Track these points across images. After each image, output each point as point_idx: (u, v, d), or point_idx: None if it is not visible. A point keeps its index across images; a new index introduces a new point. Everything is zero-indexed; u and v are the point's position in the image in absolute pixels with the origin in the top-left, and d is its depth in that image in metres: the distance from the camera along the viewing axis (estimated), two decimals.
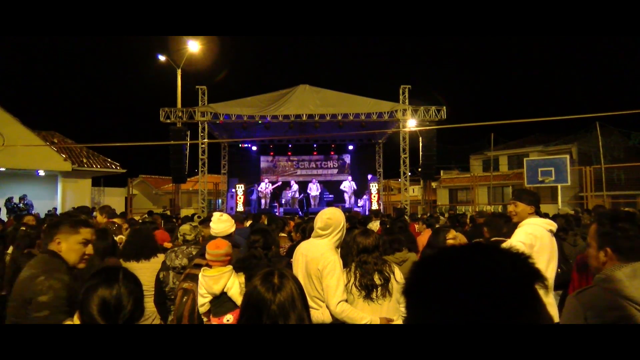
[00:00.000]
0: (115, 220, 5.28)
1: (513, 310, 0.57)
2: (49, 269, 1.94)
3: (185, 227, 3.56)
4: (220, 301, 2.61)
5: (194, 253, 3.08)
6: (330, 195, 18.51)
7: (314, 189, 17.57)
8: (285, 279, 1.40)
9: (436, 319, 0.59)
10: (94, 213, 5.44)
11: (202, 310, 2.71)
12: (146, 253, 3.60)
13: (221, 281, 2.57)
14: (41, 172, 16.79)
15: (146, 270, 3.44)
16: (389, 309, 2.75)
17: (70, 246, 2.03)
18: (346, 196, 17.81)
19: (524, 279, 0.59)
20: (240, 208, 16.43)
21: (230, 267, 2.70)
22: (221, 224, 3.45)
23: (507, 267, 0.59)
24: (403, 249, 4.00)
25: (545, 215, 4.96)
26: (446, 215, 11.28)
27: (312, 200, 17.21)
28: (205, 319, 2.76)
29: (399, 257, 3.84)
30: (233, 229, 3.49)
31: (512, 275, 0.59)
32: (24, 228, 5.61)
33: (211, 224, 3.52)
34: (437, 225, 6.01)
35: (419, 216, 8.15)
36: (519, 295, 0.58)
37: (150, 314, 3.44)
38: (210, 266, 2.71)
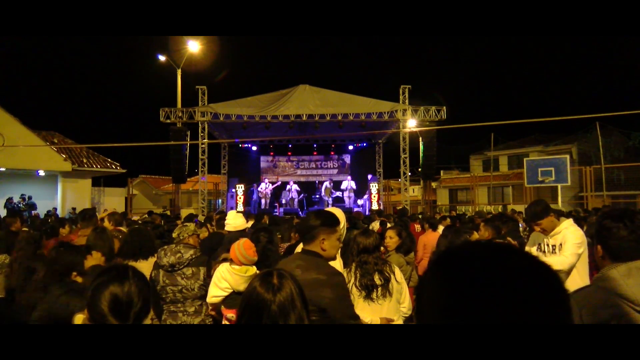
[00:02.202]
0: (121, 228, 5.31)
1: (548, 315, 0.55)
2: (329, 271, 2.11)
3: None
4: (238, 295, 2.67)
5: (182, 251, 3.10)
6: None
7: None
8: (284, 279, 1.40)
9: (459, 319, 0.57)
10: (104, 218, 5.42)
11: (214, 300, 2.79)
12: (144, 253, 3.66)
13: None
14: (41, 172, 16.79)
15: (143, 270, 3.47)
16: (389, 309, 2.76)
17: (332, 243, 2.21)
18: (346, 196, 17.81)
19: (558, 285, 0.58)
20: (240, 208, 16.42)
21: (255, 267, 2.81)
22: (238, 219, 4.18)
23: (537, 270, 0.58)
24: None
25: None
26: (443, 214, 11.27)
27: (327, 198, 17.16)
28: (210, 308, 2.94)
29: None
30: (247, 225, 4.11)
31: (547, 279, 0.58)
32: (26, 229, 5.59)
33: (228, 220, 4.23)
34: (439, 226, 6.02)
35: (433, 216, 8.24)
36: (554, 301, 0.57)
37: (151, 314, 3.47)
38: (231, 261, 2.81)
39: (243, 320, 1.37)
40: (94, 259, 2.54)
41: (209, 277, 3.03)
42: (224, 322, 2.73)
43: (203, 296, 3.07)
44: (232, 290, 2.73)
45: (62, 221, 6.57)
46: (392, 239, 4.14)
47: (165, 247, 3.21)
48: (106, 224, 5.20)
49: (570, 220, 3.24)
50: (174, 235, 3.50)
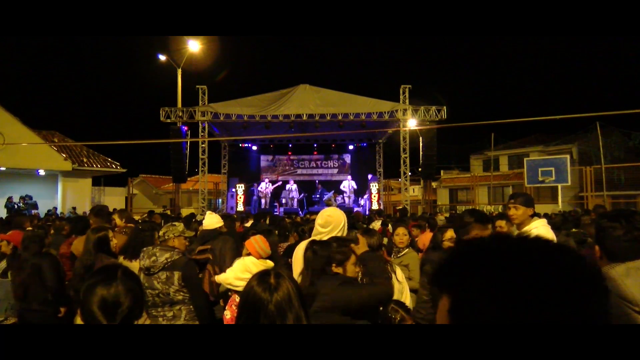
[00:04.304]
0: (131, 225, 5.34)
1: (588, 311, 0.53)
2: None
3: None
4: None
5: (157, 255, 3.01)
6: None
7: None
8: (282, 278, 1.40)
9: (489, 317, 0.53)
10: (113, 215, 5.47)
11: (234, 287, 3.07)
12: (137, 253, 3.64)
13: None
14: (41, 172, 16.80)
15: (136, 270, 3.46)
16: None
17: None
18: (346, 196, 17.80)
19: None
20: (240, 207, 16.43)
21: (271, 262, 3.15)
22: (213, 219, 4.56)
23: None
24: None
25: (545, 215, 4.97)
26: (445, 215, 11.29)
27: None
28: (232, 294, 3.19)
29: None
30: (220, 224, 4.57)
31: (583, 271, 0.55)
32: (30, 228, 5.62)
33: (205, 220, 4.65)
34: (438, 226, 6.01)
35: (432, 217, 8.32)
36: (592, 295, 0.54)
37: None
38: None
39: (241, 320, 1.37)
40: (362, 247, 2.84)
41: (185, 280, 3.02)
42: (228, 310, 2.92)
43: (180, 301, 2.98)
44: None
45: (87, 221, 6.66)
46: (405, 236, 4.17)
47: (145, 248, 3.13)
48: (117, 221, 5.24)
49: (544, 221, 3.15)
50: (161, 233, 3.43)
